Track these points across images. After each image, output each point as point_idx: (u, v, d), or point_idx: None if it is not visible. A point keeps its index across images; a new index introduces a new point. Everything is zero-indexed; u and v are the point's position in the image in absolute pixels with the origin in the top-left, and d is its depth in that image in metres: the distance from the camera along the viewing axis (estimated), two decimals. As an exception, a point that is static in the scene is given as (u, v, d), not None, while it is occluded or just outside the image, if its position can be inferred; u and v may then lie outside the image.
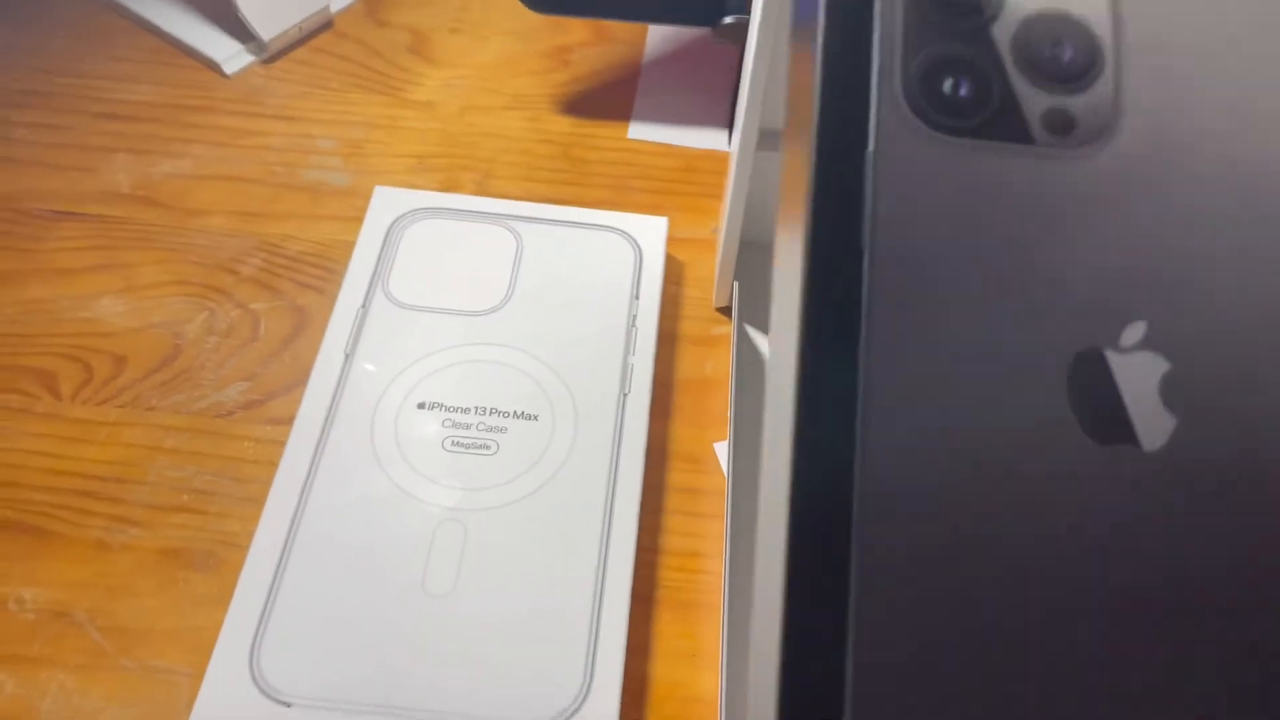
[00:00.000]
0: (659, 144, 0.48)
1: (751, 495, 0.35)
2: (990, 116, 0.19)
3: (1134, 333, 0.18)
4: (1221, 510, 0.18)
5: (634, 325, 0.39)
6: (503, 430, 0.36)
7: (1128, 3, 0.20)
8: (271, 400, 0.38)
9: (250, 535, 0.33)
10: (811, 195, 0.19)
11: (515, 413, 0.36)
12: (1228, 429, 0.18)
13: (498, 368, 0.37)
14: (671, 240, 0.43)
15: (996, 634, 0.17)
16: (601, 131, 0.48)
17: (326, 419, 0.36)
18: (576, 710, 0.30)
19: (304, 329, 0.40)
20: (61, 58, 0.49)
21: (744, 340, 0.40)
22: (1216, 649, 0.17)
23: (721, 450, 0.38)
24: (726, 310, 0.42)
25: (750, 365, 0.39)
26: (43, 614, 0.33)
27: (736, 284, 0.39)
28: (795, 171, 0.19)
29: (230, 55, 0.49)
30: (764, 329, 0.40)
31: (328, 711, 0.30)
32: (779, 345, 0.20)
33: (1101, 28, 0.20)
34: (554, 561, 0.33)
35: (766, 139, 0.38)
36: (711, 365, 0.40)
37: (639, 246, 0.41)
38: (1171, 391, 0.18)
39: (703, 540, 0.36)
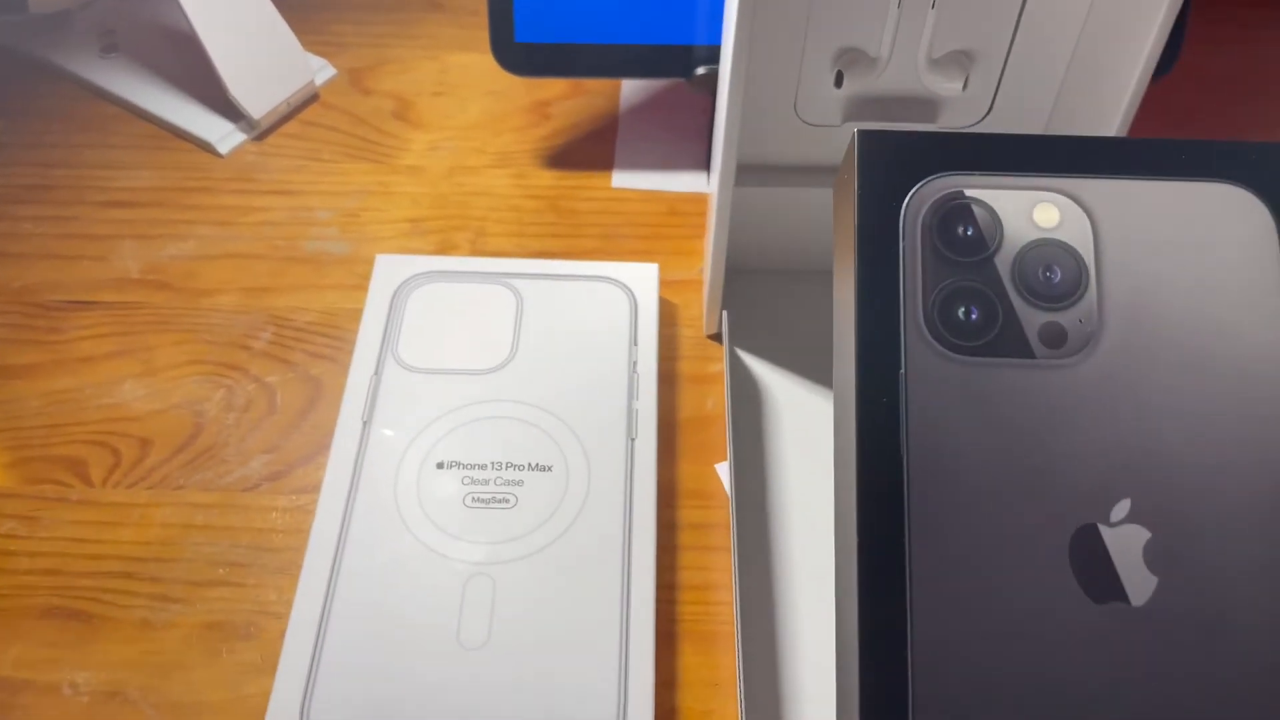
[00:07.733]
0: (643, 190, 0.50)
1: (754, 512, 0.38)
2: (996, 335, 0.23)
3: (1121, 510, 0.22)
4: (1196, 652, 0.21)
5: (635, 371, 0.41)
6: (519, 483, 0.38)
7: (1105, 227, 0.23)
8: (294, 470, 0.40)
9: (286, 603, 0.35)
10: (857, 416, 0.23)
11: (530, 465, 0.38)
12: (1199, 586, 0.22)
13: (509, 422, 0.39)
14: (663, 284, 0.45)
15: None
16: (587, 183, 0.51)
17: (350, 486, 0.37)
18: (613, 746, 0.32)
19: (319, 399, 0.42)
20: (59, 149, 0.51)
21: (736, 362, 0.42)
22: None
23: (723, 470, 0.40)
24: (717, 337, 0.44)
25: (743, 384, 0.41)
26: (97, 696, 0.34)
27: (725, 312, 0.42)
28: (845, 367, 0.23)
29: (223, 135, 0.51)
30: (753, 352, 0.42)
31: (379, 767, 0.31)
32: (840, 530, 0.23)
33: (1085, 250, 0.23)
34: (580, 605, 0.35)
35: (744, 174, 0.41)
36: (711, 402, 0.42)
37: (633, 294, 0.43)
38: (1153, 556, 0.22)
39: (715, 573, 0.38)
